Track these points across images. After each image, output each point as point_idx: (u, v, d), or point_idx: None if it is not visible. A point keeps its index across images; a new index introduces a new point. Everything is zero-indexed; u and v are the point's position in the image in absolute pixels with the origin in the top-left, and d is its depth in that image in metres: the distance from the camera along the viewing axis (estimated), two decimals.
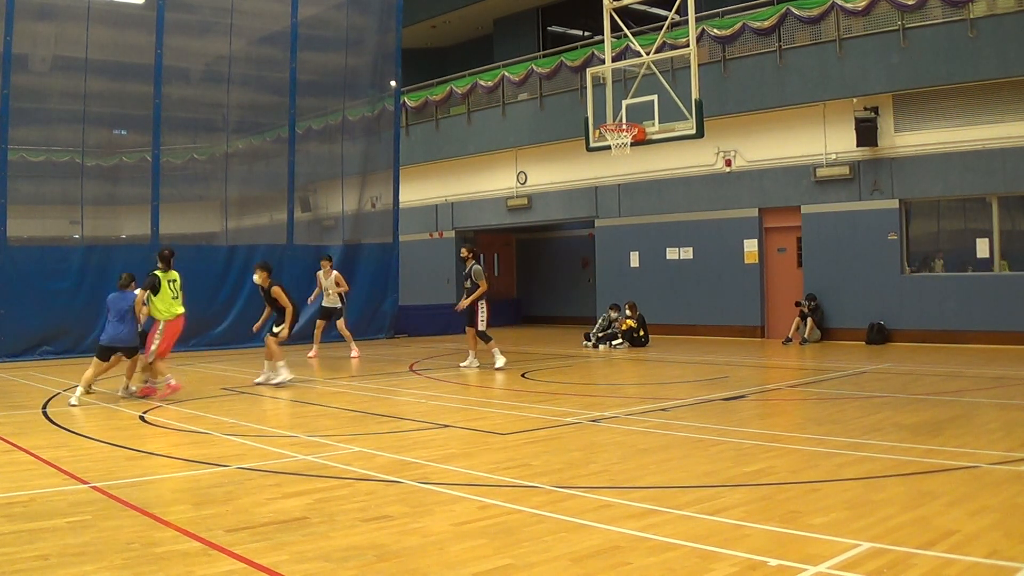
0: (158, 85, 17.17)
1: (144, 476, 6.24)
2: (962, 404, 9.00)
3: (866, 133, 16.14)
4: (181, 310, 10.49)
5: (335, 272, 15.66)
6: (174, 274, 10.55)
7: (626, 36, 15.80)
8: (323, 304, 15.64)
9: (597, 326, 17.73)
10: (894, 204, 16.30)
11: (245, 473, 6.29)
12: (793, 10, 16.81)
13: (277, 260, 18.48)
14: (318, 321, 15.75)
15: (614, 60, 15.91)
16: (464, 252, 13.70)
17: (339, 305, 15.61)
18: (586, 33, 23.96)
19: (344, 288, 15.65)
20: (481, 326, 13.23)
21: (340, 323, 15.75)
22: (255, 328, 12.54)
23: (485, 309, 13.29)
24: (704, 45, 17.69)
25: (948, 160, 15.66)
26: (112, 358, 10.24)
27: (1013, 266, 15.28)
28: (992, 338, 15.00)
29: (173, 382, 10.28)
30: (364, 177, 20.43)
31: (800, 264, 17.72)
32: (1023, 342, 14.66)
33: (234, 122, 18.89)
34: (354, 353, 15.41)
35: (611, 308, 17.80)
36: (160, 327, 10.30)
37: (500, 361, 13.03)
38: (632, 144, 14.84)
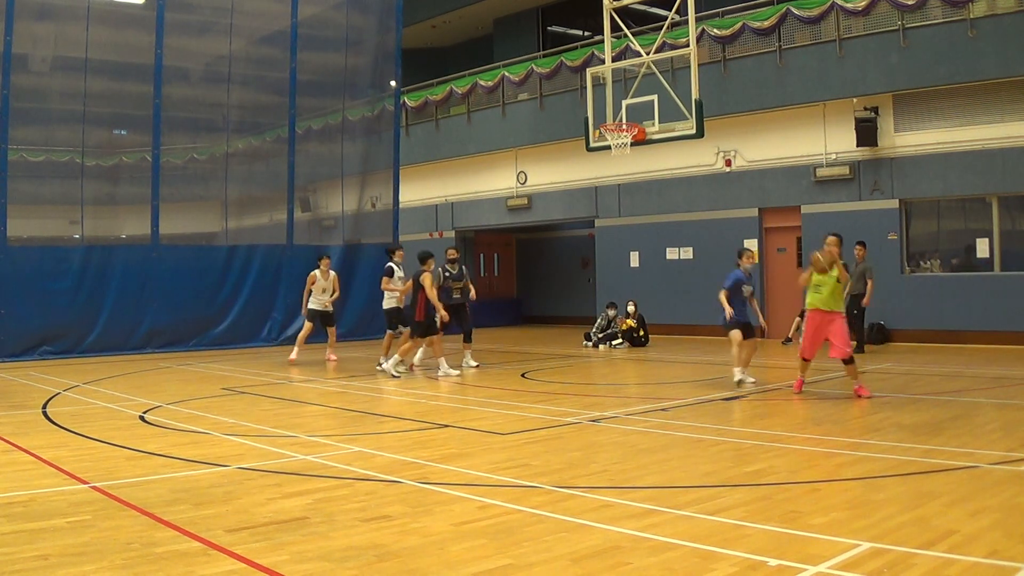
0: (158, 85, 17.18)
1: (144, 476, 6.24)
2: (962, 404, 8.99)
3: (866, 133, 16.14)
4: (818, 305, 9.63)
5: (333, 273, 14.81)
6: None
7: (626, 36, 15.81)
8: (315, 308, 14.56)
9: (596, 326, 17.72)
10: (894, 204, 16.29)
11: (245, 473, 6.29)
12: (793, 10, 16.81)
13: (277, 260, 18.53)
14: (308, 324, 14.59)
15: (614, 60, 15.92)
16: (453, 253, 13.91)
17: (331, 309, 14.76)
18: (586, 33, 23.95)
19: (336, 294, 14.82)
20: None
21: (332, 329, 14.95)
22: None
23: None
24: (704, 45, 17.68)
25: (948, 160, 15.65)
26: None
27: (1013, 266, 15.28)
28: (992, 338, 14.99)
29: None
30: (364, 177, 20.41)
31: (800, 264, 17.70)
32: (1023, 342, 14.66)
33: (234, 122, 18.90)
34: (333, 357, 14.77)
35: (608, 306, 17.77)
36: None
37: (388, 364, 12.55)
38: (632, 144, 14.86)
